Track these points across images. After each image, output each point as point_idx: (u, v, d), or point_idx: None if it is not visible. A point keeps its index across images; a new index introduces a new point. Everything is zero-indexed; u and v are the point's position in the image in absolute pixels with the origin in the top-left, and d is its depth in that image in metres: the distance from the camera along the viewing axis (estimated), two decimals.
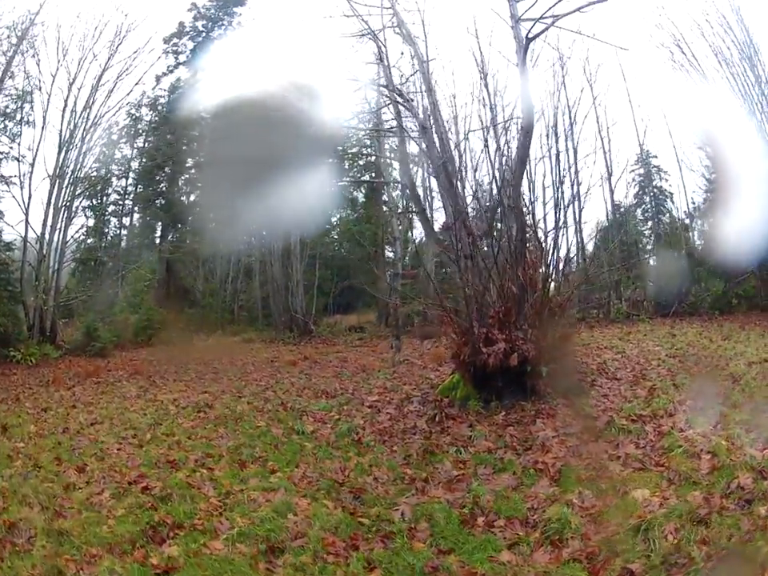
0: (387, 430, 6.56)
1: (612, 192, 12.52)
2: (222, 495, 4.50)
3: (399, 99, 10.13)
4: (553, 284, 7.50)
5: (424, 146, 9.74)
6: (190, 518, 3.96)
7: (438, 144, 9.65)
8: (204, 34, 20.31)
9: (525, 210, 8.49)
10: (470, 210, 9.53)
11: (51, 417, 7.74)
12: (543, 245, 7.97)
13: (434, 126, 9.78)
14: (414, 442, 6.09)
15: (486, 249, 9.11)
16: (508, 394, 6.87)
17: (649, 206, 16.98)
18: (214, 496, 4.47)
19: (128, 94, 16.91)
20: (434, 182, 17.43)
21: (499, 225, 8.58)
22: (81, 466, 5.14)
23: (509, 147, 9.14)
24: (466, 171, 9.72)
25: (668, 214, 16.67)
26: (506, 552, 3.45)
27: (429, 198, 18.30)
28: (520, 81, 8.97)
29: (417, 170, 12.34)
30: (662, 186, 16.72)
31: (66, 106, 15.50)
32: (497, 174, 8.74)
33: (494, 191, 8.97)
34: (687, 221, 15.14)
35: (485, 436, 5.96)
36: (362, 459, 5.54)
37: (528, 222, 8.29)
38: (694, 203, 15.20)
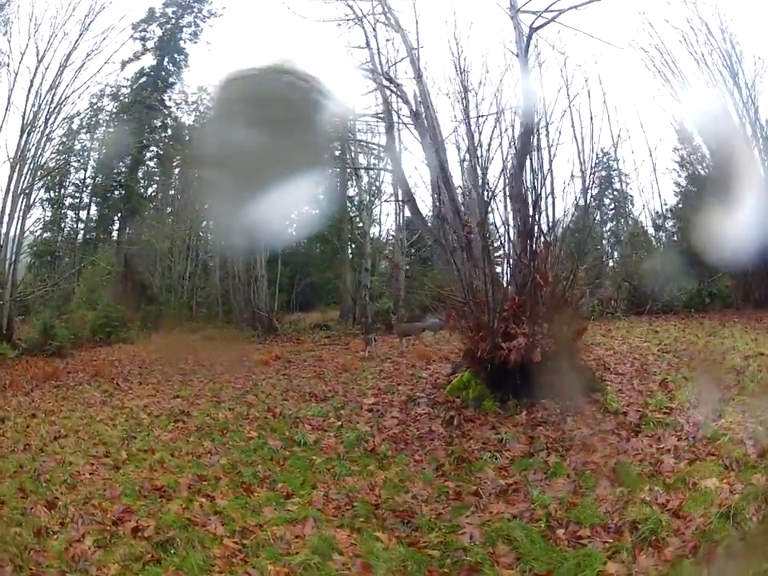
0: (400, 437, 5.68)
1: (586, 191, 12.17)
2: (238, 534, 3.47)
3: (389, 84, 9.27)
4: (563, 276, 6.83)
5: (416, 132, 8.92)
6: (208, 573, 2.93)
7: (429, 132, 8.89)
8: (173, 21, 18.57)
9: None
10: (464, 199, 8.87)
11: (10, 429, 6.40)
12: (547, 237, 7.36)
13: (424, 113, 9.01)
14: (436, 449, 5.27)
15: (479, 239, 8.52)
16: (526, 392, 6.16)
17: (608, 208, 16.98)
18: (226, 536, 3.44)
19: (96, 74, 15.20)
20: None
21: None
22: (51, 500, 3.94)
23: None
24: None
25: (629, 216, 16.66)
26: (610, 564, 2.99)
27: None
28: (521, 71, 8.34)
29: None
30: (622, 189, 16.72)
31: (31, 85, 13.75)
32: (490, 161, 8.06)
33: (490, 180, 8.34)
34: (659, 221, 15.17)
35: (517, 438, 5.25)
36: (388, 473, 4.65)
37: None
38: (666, 204, 15.28)
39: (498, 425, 5.70)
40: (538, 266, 6.47)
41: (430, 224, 10.04)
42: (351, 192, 21.68)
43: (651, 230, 15.09)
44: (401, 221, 19.08)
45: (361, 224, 20.43)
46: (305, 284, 22.83)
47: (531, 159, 8.08)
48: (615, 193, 16.82)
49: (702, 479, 3.75)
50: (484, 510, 3.84)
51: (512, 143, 8.03)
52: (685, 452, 4.36)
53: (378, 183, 19.74)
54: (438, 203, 8.66)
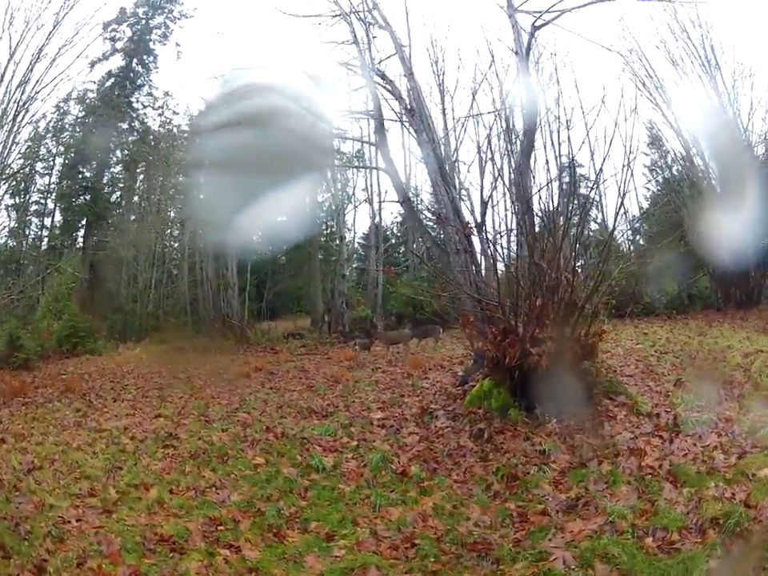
0: (428, 456, 5.01)
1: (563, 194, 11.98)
2: None
3: (381, 81, 8.64)
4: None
5: (412, 130, 8.33)
6: None
7: (425, 129, 8.33)
8: (143, 22, 17.33)
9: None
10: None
11: None
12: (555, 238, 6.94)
13: (418, 110, 8.45)
14: (473, 467, 4.67)
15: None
16: (551, 399, 5.63)
17: (574, 213, 16.79)
18: None
19: (67, 68, 13.92)
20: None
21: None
22: (38, 563, 2.97)
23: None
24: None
25: (594, 222, 16.56)
26: (712, 561, 2.83)
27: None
28: (521, 70, 7.95)
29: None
30: (587, 194, 16.62)
31: (1, 80, 12.25)
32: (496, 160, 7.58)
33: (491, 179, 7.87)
34: (637, 224, 15.09)
35: (559, 449, 4.69)
36: (434, 498, 3.99)
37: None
38: (641, 208, 15.25)
39: (531, 435, 5.13)
40: (559, 266, 6.00)
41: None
42: (319, 198, 20.87)
43: (628, 234, 14.99)
44: (378, 225, 18.42)
45: (329, 230, 19.62)
46: (275, 291, 21.78)
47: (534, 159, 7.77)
48: (581, 198, 16.75)
49: (759, 470, 3.69)
50: (562, 530, 3.33)
51: (508, 142, 7.65)
52: (730, 447, 4.24)
53: (350, 188, 19.05)
54: (437, 203, 8.12)
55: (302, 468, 4.84)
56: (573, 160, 5.98)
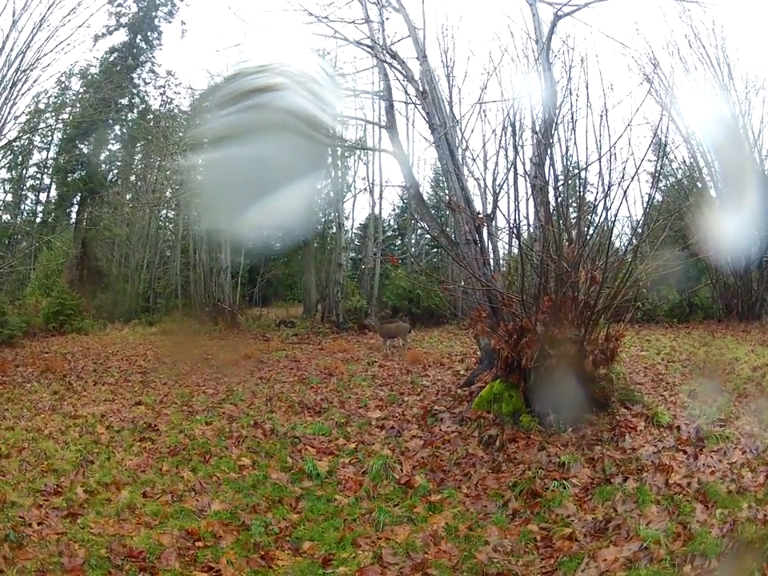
0: (434, 464, 4.45)
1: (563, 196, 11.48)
2: None
3: (393, 61, 8.01)
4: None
5: (424, 113, 7.72)
6: None
7: (438, 113, 7.75)
8: None
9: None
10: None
11: None
12: (571, 231, 6.42)
13: (431, 93, 7.86)
14: (485, 478, 4.12)
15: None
16: (568, 405, 5.11)
17: (573, 215, 16.38)
18: None
19: (69, 37, 13.02)
20: None
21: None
22: None
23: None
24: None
25: (592, 226, 16.00)
26: None
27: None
28: (542, 60, 7.37)
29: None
30: (585, 197, 16.10)
31: (2, 48, 11.39)
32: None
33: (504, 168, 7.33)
34: (640, 229, 14.46)
35: (579, 461, 4.17)
36: (445, 516, 3.44)
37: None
38: (647, 213, 14.58)
39: (546, 445, 4.60)
40: (580, 262, 5.47)
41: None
42: (318, 185, 20.15)
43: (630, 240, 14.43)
44: (378, 215, 17.78)
45: (325, 218, 18.96)
46: (266, 278, 21.13)
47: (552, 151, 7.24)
48: (579, 201, 16.28)
49: None
50: (594, 558, 2.84)
51: (518, 133, 7.11)
52: (757, 465, 3.89)
53: (350, 176, 18.37)
54: (446, 191, 7.57)
55: (294, 473, 4.27)
56: (609, 149, 5.31)
